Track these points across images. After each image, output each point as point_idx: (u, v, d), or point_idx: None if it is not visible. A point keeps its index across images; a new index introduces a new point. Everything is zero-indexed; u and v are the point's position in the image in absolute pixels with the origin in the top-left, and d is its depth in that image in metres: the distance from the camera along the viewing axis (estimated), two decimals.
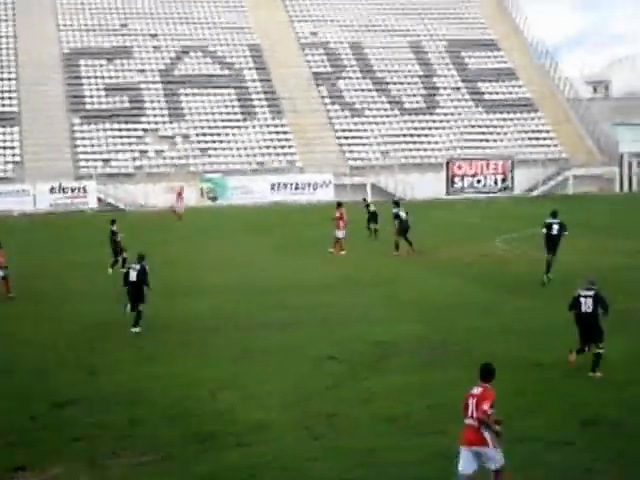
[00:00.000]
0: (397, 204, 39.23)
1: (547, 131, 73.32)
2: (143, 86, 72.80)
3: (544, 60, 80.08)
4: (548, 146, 72.07)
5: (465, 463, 12.70)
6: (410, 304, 27.06)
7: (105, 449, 15.32)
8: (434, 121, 73.05)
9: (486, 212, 53.46)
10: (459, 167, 68.27)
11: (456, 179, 68.09)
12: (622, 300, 26.83)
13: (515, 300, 27.30)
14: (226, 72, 75.02)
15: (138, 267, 24.50)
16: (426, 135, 71.77)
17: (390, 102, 74.18)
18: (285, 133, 70.74)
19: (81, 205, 63.19)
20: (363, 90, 74.99)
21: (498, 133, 72.54)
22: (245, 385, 18.89)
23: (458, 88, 76.21)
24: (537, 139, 72.53)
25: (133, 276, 24.39)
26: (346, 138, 71.09)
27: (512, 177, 68.56)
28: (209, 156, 68.19)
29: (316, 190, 65.70)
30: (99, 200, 63.84)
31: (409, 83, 76.13)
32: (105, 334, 23.74)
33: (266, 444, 15.49)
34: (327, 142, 70.68)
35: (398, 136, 71.39)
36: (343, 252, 37.72)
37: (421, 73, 77.11)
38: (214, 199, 64.28)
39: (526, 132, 72.91)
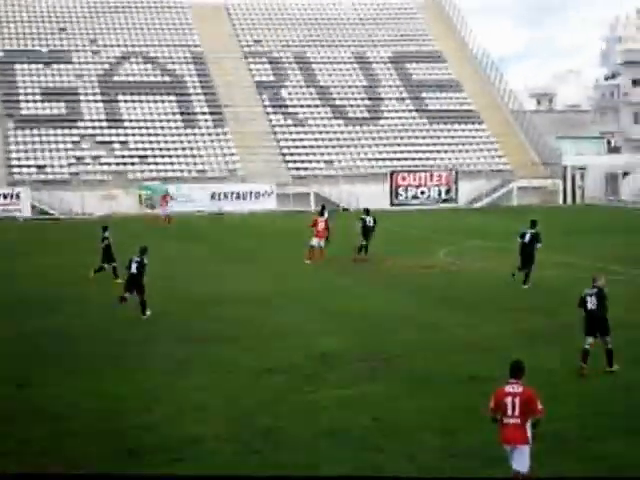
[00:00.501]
0: (367, 212, 39.71)
1: (491, 143, 73.15)
2: (81, 91, 71.34)
3: (489, 72, 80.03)
4: (492, 157, 71.88)
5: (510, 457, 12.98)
6: (351, 316, 26.66)
7: (33, 464, 14.73)
8: (378, 131, 72.48)
9: (430, 224, 53.10)
10: (403, 178, 67.81)
11: (400, 190, 67.59)
12: (564, 312, 26.66)
13: (457, 313, 27.14)
14: (167, 79, 73.90)
15: (139, 259, 26.25)
16: (370, 145, 71.20)
17: (334, 112, 73.57)
18: (227, 141, 69.71)
19: (14, 212, 61.50)
20: (306, 99, 74.30)
21: (442, 144, 72.16)
22: (181, 398, 18.34)
23: (402, 99, 75.78)
24: (481, 150, 72.32)
25: (133, 268, 26.12)
26: (289, 147, 70.21)
27: (456, 188, 68.20)
28: (148, 163, 66.88)
29: (258, 199, 64.71)
30: (33, 207, 62.25)
31: (353, 93, 75.60)
32: (38, 345, 23.06)
33: (201, 459, 15.05)
34: (269, 151, 69.80)
35: (342, 146, 70.76)
36: (309, 261, 37.04)
37: (365, 83, 76.64)
38: (153, 207, 62.93)
39: (470, 144, 72.65)
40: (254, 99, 73.83)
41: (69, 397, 18.43)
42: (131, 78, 73.27)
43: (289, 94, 74.62)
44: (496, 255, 39.88)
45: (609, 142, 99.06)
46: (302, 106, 73.72)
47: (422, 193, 67.94)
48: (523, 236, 32.35)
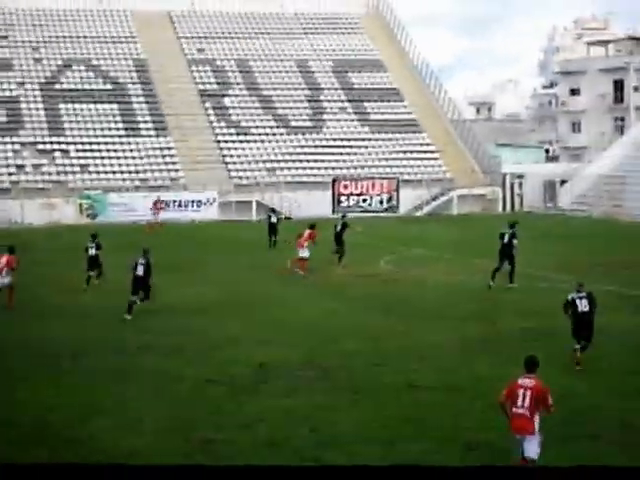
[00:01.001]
0: (343, 217, 42.61)
1: (432, 151, 73.82)
2: (22, 99, 70.84)
3: (429, 81, 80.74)
4: (432, 166, 72.53)
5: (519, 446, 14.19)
6: (292, 326, 26.80)
7: None
8: (320, 140, 72.85)
9: (372, 232, 53.49)
10: (345, 186, 68.23)
11: (342, 198, 68.01)
12: (504, 320, 27.19)
13: (398, 322, 27.37)
14: (109, 87, 73.55)
15: (144, 262, 27.28)
16: (312, 154, 71.53)
17: (276, 120, 73.79)
18: (169, 149, 69.61)
19: None
20: (249, 108, 74.47)
21: (384, 152, 72.74)
22: (118, 410, 18.28)
23: (344, 108, 76.27)
24: (422, 159, 72.92)
25: (140, 270, 27.12)
26: (231, 156, 70.33)
27: (397, 197, 68.77)
28: (89, 172, 66.55)
29: (200, 208, 64.71)
30: None
31: (295, 102, 75.92)
32: None
33: None
34: (212, 159, 69.83)
35: (284, 154, 71.02)
36: (303, 272, 37.26)
37: (308, 92, 77.00)
38: (93, 216, 62.65)
39: (411, 152, 73.27)
40: (197, 107, 73.86)
41: (2, 409, 18.25)
42: (73, 86, 72.79)
43: (232, 102, 74.75)
44: (436, 264, 40.34)
45: (547, 151, 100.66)
46: (245, 114, 73.88)
47: (364, 201, 68.41)
48: (502, 237, 34.15)
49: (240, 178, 68.64)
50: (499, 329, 26.02)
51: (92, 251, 33.49)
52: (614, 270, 36.36)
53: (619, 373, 21.14)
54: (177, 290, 33.16)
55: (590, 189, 71.15)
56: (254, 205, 65.38)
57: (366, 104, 76.68)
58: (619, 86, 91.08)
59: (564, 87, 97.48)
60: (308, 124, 74.04)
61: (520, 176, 74.11)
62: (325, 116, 75.07)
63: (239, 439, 16.60)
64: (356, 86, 78.26)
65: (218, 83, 76.05)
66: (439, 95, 79.39)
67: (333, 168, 70.28)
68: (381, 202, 68.52)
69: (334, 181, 68.19)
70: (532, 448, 14.07)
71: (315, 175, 69.58)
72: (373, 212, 66.96)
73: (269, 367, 21.65)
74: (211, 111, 73.40)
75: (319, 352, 23.31)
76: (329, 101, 76.59)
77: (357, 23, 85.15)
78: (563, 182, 73.69)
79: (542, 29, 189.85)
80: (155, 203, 59.98)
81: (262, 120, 73.53)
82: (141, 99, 73.00)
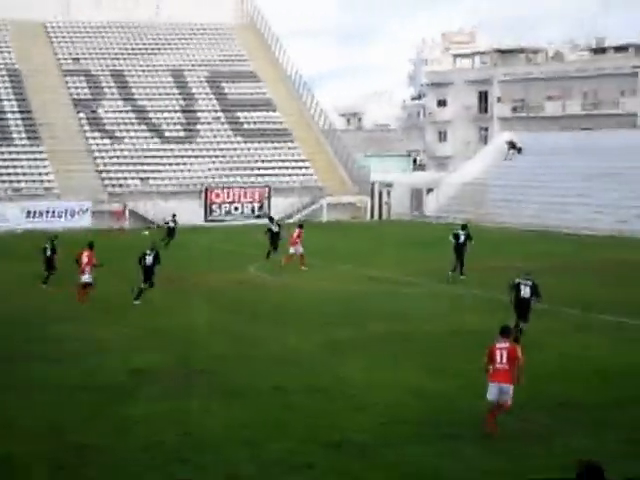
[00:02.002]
0: (271, 219, 47.47)
1: (303, 160, 75.32)
2: None
3: (301, 92, 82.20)
4: (304, 175, 74.06)
5: (493, 395, 17.38)
6: (165, 332, 27.27)
7: None
8: (193, 149, 73.64)
9: (243, 239, 54.39)
10: (217, 195, 69.20)
11: (214, 206, 68.99)
12: (370, 324, 28.43)
13: (268, 327, 28.14)
14: None
15: (153, 254, 31.28)
16: (185, 163, 72.25)
17: (150, 130, 74.26)
18: (43, 160, 69.43)
19: None
20: (123, 117, 74.76)
21: (256, 161, 73.97)
22: None
23: (218, 117, 77.22)
24: (293, 168, 74.37)
25: (149, 260, 31.12)
26: (105, 164, 70.58)
27: (269, 205, 70.06)
28: None
29: (73, 217, 64.81)
30: None
31: (169, 111, 76.52)
32: None
33: (7, 478, 15.31)
34: (85, 168, 69.90)
35: (157, 164, 71.54)
36: (284, 263, 41.21)
37: (182, 102, 77.68)
38: None
39: (282, 161, 74.65)
40: (71, 116, 73.79)
41: None
42: None
43: (106, 112, 74.92)
44: (305, 270, 41.37)
45: (415, 160, 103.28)
46: (119, 124, 74.14)
47: (236, 209, 69.50)
48: (457, 237, 37.49)
49: (113, 186, 68.97)
50: (367, 332, 26.95)
51: (49, 252, 35.32)
52: (477, 273, 37.94)
53: (473, 372, 21.56)
54: (49, 300, 33.15)
55: (455, 197, 73.68)
56: (127, 214, 65.88)
57: (239, 114, 77.80)
58: (483, 97, 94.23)
59: (432, 98, 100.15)
60: (182, 134, 74.76)
61: (388, 185, 75.96)
62: (199, 126, 75.89)
63: (112, 443, 16.83)
64: (229, 96, 79.28)
65: (92, 92, 76.06)
66: (311, 105, 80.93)
67: (206, 177, 71.16)
68: (252, 210, 69.68)
69: (206, 190, 69.09)
70: (508, 395, 17.27)
71: (187, 184, 70.35)
72: (244, 220, 68.00)
73: (143, 372, 22.02)
74: (84, 120, 73.45)
75: (193, 357, 23.83)
76: (203, 111, 77.44)
77: (231, 34, 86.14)
78: (430, 190, 75.96)
79: (412, 41, 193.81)
80: (122, 211, 61.52)
81: (136, 130, 73.93)
82: (14, 108, 72.54)
